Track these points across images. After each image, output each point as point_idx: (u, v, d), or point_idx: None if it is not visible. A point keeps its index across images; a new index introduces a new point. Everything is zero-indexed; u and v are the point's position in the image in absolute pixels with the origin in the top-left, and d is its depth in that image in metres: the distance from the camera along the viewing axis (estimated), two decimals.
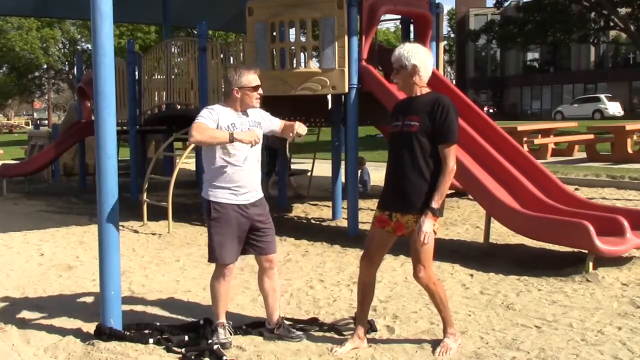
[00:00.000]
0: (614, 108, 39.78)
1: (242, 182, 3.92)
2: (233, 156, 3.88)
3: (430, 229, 3.58)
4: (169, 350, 3.89)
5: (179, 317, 4.54)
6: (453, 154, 3.63)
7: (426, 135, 3.61)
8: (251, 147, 3.87)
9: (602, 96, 41.85)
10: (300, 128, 4.06)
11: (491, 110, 43.86)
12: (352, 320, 4.22)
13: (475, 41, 41.31)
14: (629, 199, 9.74)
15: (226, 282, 3.99)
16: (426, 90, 3.76)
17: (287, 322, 4.17)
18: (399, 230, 3.73)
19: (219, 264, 3.96)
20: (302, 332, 4.10)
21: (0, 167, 12.93)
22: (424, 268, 3.67)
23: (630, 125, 14.99)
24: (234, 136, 3.79)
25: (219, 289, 3.99)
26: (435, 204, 3.58)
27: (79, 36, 48.85)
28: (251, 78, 3.92)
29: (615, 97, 41.92)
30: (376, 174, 10.72)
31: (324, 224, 8.43)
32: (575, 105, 42.18)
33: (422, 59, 3.70)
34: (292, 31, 7.96)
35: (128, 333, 4.02)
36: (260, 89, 3.97)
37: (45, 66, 49.41)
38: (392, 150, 3.78)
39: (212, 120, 3.84)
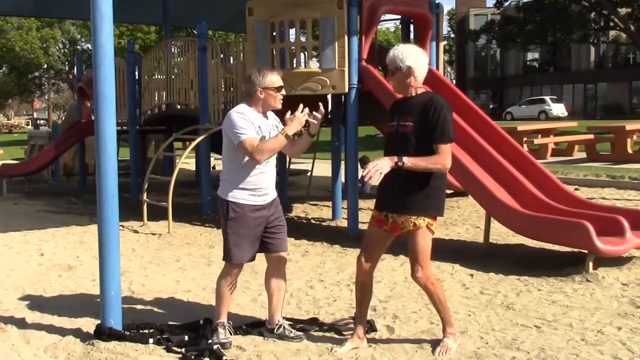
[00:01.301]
0: (558, 109, 42.06)
1: (263, 185, 3.93)
2: (257, 160, 3.87)
3: (381, 165, 3.49)
4: (169, 350, 3.89)
5: (179, 317, 4.53)
6: (449, 153, 3.62)
7: (421, 135, 3.61)
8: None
9: (547, 98, 43.99)
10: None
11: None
12: (352, 320, 4.21)
13: (475, 41, 41.37)
14: (629, 199, 9.74)
15: (233, 282, 4.00)
16: (422, 90, 3.75)
17: (287, 322, 4.17)
18: (395, 230, 3.73)
19: (232, 263, 3.96)
20: (302, 332, 4.10)
21: (0, 167, 12.92)
22: (421, 268, 3.67)
23: (630, 125, 14.98)
24: (289, 134, 3.82)
25: (225, 287, 3.99)
26: (406, 160, 3.52)
27: (79, 36, 48.81)
28: (274, 79, 3.91)
29: (560, 99, 44.97)
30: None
31: (324, 224, 8.44)
32: (523, 106, 44.21)
33: (417, 60, 3.69)
34: (292, 31, 7.96)
35: (128, 333, 4.02)
36: (283, 89, 3.97)
37: (45, 66, 49.36)
38: (388, 150, 3.76)
39: (252, 128, 3.82)
